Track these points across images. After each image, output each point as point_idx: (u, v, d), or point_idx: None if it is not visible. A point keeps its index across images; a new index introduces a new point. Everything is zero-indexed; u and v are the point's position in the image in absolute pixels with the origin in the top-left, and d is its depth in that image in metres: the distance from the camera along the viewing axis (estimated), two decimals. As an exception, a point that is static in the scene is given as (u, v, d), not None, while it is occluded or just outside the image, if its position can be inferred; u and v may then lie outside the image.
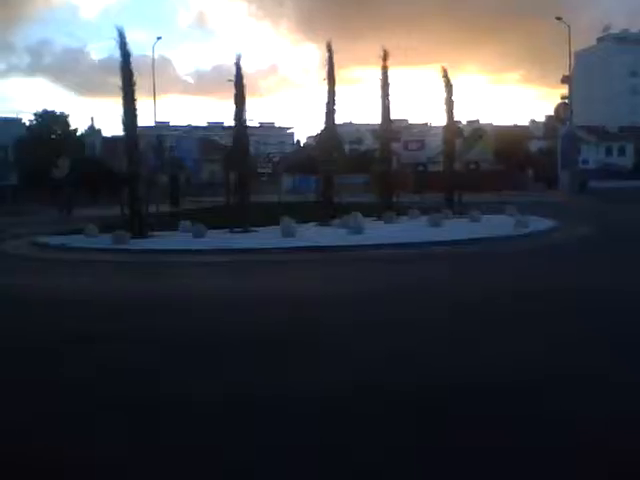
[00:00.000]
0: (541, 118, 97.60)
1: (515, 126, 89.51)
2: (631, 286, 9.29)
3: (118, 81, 20.37)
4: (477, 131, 64.63)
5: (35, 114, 74.14)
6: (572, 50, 52.10)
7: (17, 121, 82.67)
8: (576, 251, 14.66)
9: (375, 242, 16.24)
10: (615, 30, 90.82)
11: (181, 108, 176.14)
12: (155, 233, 19.59)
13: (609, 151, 57.79)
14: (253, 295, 9.94)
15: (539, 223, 19.51)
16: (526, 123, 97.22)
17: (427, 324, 7.32)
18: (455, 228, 18.99)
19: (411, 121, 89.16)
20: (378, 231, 18.83)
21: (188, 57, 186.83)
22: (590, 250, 14.50)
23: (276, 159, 77.45)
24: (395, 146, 42.03)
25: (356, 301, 8.98)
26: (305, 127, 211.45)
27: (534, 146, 72.59)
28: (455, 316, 7.73)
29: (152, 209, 24.92)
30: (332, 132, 24.77)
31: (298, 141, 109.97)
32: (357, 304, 8.78)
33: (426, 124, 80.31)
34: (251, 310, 8.64)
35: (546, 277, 10.62)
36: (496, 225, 19.23)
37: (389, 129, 26.77)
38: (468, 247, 15.56)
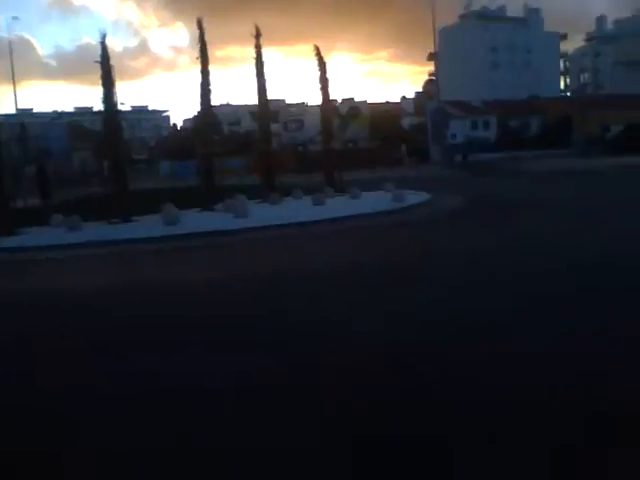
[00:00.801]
0: (411, 95, 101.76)
1: (388, 103, 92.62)
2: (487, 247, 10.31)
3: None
4: (352, 109, 66.32)
5: None
6: (437, 28, 54.47)
7: None
8: (446, 220, 15.72)
9: (261, 224, 16.26)
10: (476, 7, 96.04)
11: (45, 94, 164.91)
12: (24, 229, 18.32)
13: (475, 125, 61.33)
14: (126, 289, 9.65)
15: (414, 197, 20.45)
16: (398, 100, 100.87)
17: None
18: (337, 206, 19.45)
19: (289, 101, 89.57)
20: (264, 213, 18.86)
21: (50, 38, 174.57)
22: (457, 219, 15.59)
23: (152, 144, 74.94)
24: (274, 127, 42.12)
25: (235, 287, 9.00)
26: (181, 110, 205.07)
27: (406, 123, 75.46)
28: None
29: (19, 203, 23.34)
30: (209, 113, 24.30)
31: (174, 124, 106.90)
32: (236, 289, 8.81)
33: (303, 104, 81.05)
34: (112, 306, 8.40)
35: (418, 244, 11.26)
36: (375, 201, 19.91)
37: (267, 109, 26.68)
38: (348, 223, 16.06)
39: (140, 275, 11.00)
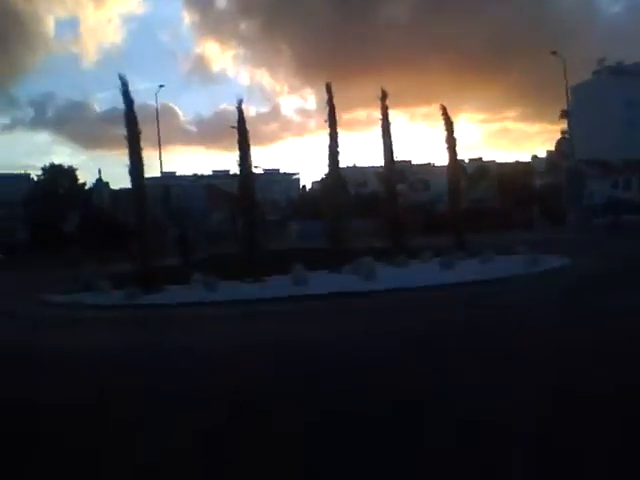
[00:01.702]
0: (542, 154, 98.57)
1: (517, 163, 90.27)
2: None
3: (123, 131, 20.44)
4: (481, 169, 65.25)
5: (43, 169, 75.37)
6: (569, 84, 52.78)
7: (25, 177, 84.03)
8: (591, 286, 14.52)
9: (389, 287, 16.13)
10: (610, 63, 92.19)
11: (186, 158, 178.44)
12: (166, 286, 19.52)
13: (615, 185, 57.79)
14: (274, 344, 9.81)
15: (551, 260, 19.38)
16: (528, 159, 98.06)
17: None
18: (467, 269, 18.87)
19: (415, 162, 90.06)
20: (391, 276, 18.70)
21: (190, 105, 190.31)
22: (603, 285, 14.35)
23: (283, 205, 78.08)
24: (400, 187, 42.26)
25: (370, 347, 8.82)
26: (310, 172, 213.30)
27: (538, 183, 72.87)
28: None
29: (162, 262, 24.93)
30: (336, 175, 24.75)
31: (304, 186, 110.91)
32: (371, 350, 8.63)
33: (429, 164, 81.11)
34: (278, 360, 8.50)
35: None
36: (508, 265, 19.10)
37: (393, 170, 26.83)
38: (480, 288, 15.44)
39: (272, 333, 11.20)
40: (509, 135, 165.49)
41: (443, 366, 7.54)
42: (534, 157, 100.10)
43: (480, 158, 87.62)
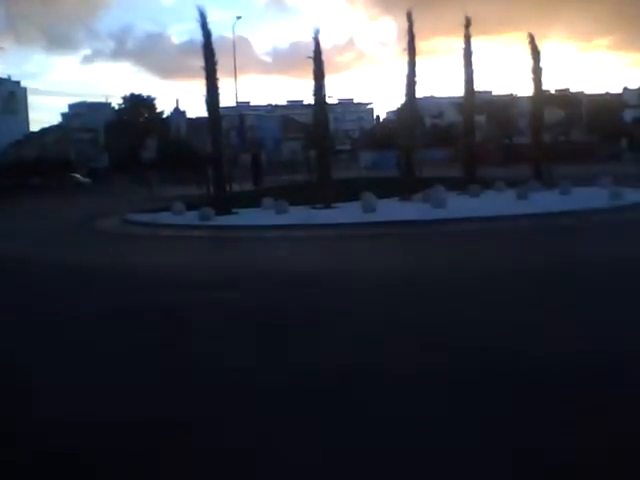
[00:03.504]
0: (635, 86, 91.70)
1: (607, 94, 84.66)
2: None
3: (200, 62, 20.76)
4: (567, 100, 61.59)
5: (123, 98, 76.99)
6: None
7: (106, 105, 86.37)
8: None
9: (458, 216, 15.82)
10: None
11: (261, 87, 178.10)
12: (238, 210, 19.98)
13: None
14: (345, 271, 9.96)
15: (636, 194, 18.36)
16: (619, 91, 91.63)
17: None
18: (543, 201, 18.18)
19: (495, 93, 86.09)
20: (462, 205, 18.31)
21: (265, 36, 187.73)
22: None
23: (355, 136, 77.21)
24: (479, 119, 40.76)
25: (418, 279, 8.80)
26: (384, 102, 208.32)
27: (628, 115, 68.38)
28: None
29: (235, 187, 25.41)
30: (412, 105, 24.17)
31: (377, 117, 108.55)
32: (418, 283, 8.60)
33: (511, 95, 77.42)
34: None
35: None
36: (588, 197, 18.27)
37: (472, 100, 25.89)
38: (556, 219, 14.88)
39: (330, 260, 11.34)
40: (600, 65, 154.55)
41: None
42: (625, 89, 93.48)
43: (567, 89, 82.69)
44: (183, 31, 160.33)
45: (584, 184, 20.89)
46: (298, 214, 18.12)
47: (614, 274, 8.09)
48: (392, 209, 18.39)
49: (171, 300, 7.91)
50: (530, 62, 26.37)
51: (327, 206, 19.53)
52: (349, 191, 20.40)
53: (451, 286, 7.99)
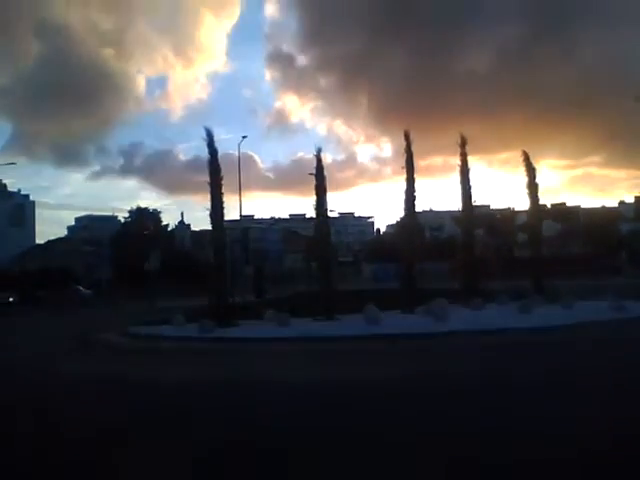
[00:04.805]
0: (630, 200, 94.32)
1: (604, 208, 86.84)
2: None
3: (206, 178, 21.50)
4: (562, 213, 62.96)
5: (130, 211, 79.04)
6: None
7: (113, 218, 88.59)
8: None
9: (461, 329, 15.71)
10: None
11: (264, 203, 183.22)
12: (240, 322, 19.88)
13: None
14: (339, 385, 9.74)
15: (638, 307, 18.28)
16: (615, 205, 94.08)
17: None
18: (546, 314, 18.12)
19: (493, 207, 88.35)
20: (465, 318, 18.21)
21: (269, 154, 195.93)
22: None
23: (357, 248, 78.40)
24: (478, 233, 41.46)
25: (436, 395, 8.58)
26: (385, 216, 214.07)
27: (625, 228, 69.68)
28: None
29: (238, 299, 25.43)
30: (412, 218, 24.69)
31: (378, 229, 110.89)
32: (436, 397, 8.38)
33: (510, 209, 79.36)
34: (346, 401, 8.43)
35: None
36: (590, 310, 18.19)
37: (471, 214, 26.47)
38: (560, 333, 14.75)
39: (338, 372, 11.12)
40: (593, 181, 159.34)
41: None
42: (621, 203, 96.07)
43: (563, 203, 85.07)
44: (190, 148, 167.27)
45: (586, 297, 20.88)
46: (300, 326, 17.99)
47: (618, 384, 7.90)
48: (395, 322, 18.27)
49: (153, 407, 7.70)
50: (525, 178, 27.34)
51: (329, 318, 19.45)
52: (351, 303, 20.38)
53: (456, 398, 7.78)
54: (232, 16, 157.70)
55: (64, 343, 18.60)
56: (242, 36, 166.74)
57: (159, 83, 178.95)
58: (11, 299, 45.90)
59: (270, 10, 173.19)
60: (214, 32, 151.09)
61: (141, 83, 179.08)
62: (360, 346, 14.53)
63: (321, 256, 22.46)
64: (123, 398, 9.41)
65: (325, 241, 22.54)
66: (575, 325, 15.55)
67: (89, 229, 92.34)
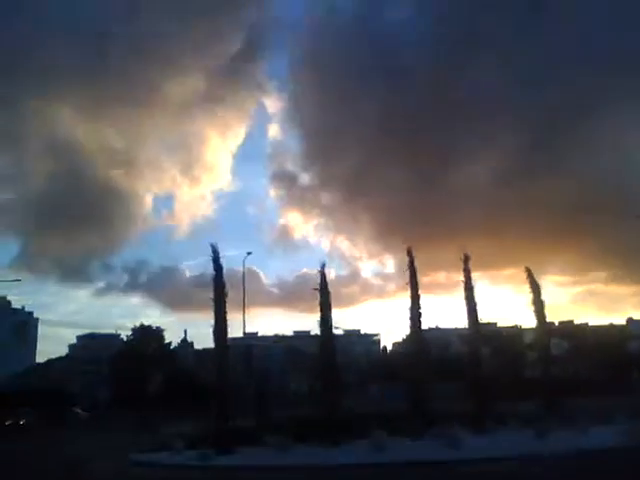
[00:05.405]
0: (638, 317, 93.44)
1: (612, 326, 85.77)
2: None
3: (210, 294, 21.30)
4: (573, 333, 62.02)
5: (132, 329, 78.23)
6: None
7: (115, 337, 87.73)
8: None
9: (475, 456, 14.92)
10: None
11: (268, 319, 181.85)
12: (240, 448, 18.93)
13: None
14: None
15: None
16: (622, 322, 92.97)
17: None
18: (562, 439, 17.23)
19: (500, 324, 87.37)
20: (477, 444, 17.31)
21: (273, 269, 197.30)
22: None
23: (363, 367, 76.70)
24: (485, 350, 40.71)
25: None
26: (391, 334, 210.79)
27: (634, 346, 68.36)
28: None
29: (239, 421, 24.40)
30: (418, 337, 24.29)
31: (384, 347, 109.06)
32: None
33: (516, 327, 78.42)
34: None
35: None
36: (607, 436, 17.32)
37: (477, 332, 26.04)
38: (579, 461, 13.94)
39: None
40: (599, 297, 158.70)
41: None
42: (629, 320, 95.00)
43: (571, 321, 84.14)
44: (196, 265, 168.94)
45: (600, 421, 20.00)
46: (302, 453, 17.12)
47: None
48: (404, 448, 17.36)
49: None
50: (530, 295, 27.14)
51: (334, 444, 18.54)
52: (358, 427, 19.49)
53: None
54: (237, 137, 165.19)
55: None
56: (247, 156, 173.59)
57: (166, 201, 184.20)
58: (22, 422, 44.04)
59: (273, 131, 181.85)
60: (220, 152, 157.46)
61: (148, 201, 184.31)
62: (365, 475, 13.73)
63: (326, 378, 21.81)
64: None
65: (330, 362, 21.97)
66: (593, 451, 14.75)
67: (89, 348, 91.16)
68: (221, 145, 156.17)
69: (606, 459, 13.98)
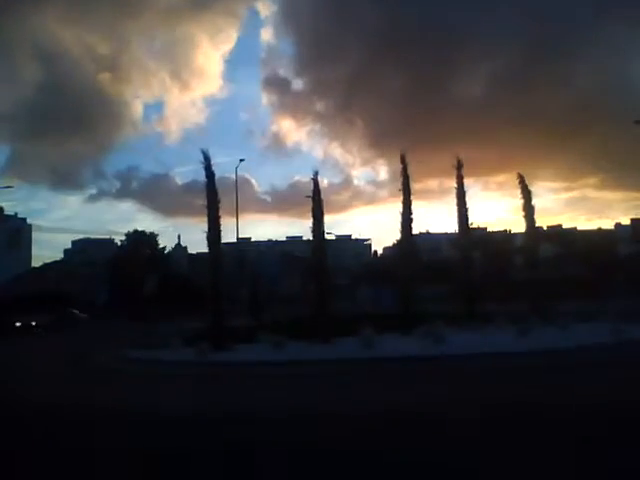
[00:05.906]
0: (626, 222, 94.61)
1: (600, 230, 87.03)
2: None
3: (203, 201, 21.46)
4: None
5: (126, 235, 78.87)
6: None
7: (109, 242, 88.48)
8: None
9: (460, 352, 15.60)
10: None
11: (262, 225, 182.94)
12: (236, 346, 19.70)
13: None
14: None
15: (636, 330, 18.19)
16: (611, 227, 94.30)
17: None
18: (543, 337, 18.01)
19: (490, 229, 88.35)
20: (463, 341, 18.08)
21: (265, 177, 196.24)
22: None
23: (354, 270, 78.23)
24: (475, 254, 41.42)
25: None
26: (382, 239, 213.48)
27: (622, 251, 69.70)
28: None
29: (234, 322, 25.26)
30: (409, 242, 24.77)
31: (375, 252, 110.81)
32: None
33: (506, 231, 79.45)
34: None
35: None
36: (588, 333, 18.10)
37: (468, 236, 26.54)
38: (559, 356, 14.64)
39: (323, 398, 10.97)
40: (589, 203, 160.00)
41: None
42: (618, 225, 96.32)
43: (560, 225, 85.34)
44: (187, 172, 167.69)
45: (583, 320, 20.80)
46: (295, 350, 17.85)
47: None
48: (391, 345, 18.14)
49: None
50: (521, 201, 27.44)
51: (325, 341, 19.31)
52: (348, 326, 20.24)
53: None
54: (228, 41, 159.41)
55: (64, 368, 18.33)
56: (238, 60, 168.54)
57: (156, 107, 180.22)
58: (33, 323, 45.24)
59: (266, 35, 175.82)
60: (210, 56, 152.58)
61: (138, 107, 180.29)
62: (355, 368, 14.41)
63: (318, 280, 22.37)
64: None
65: (322, 265, 22.48)
66: (574, 348, 15.46)
67: (85, 253, 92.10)
68: (212, 50, 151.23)
69: (583, 356, 14.67)
